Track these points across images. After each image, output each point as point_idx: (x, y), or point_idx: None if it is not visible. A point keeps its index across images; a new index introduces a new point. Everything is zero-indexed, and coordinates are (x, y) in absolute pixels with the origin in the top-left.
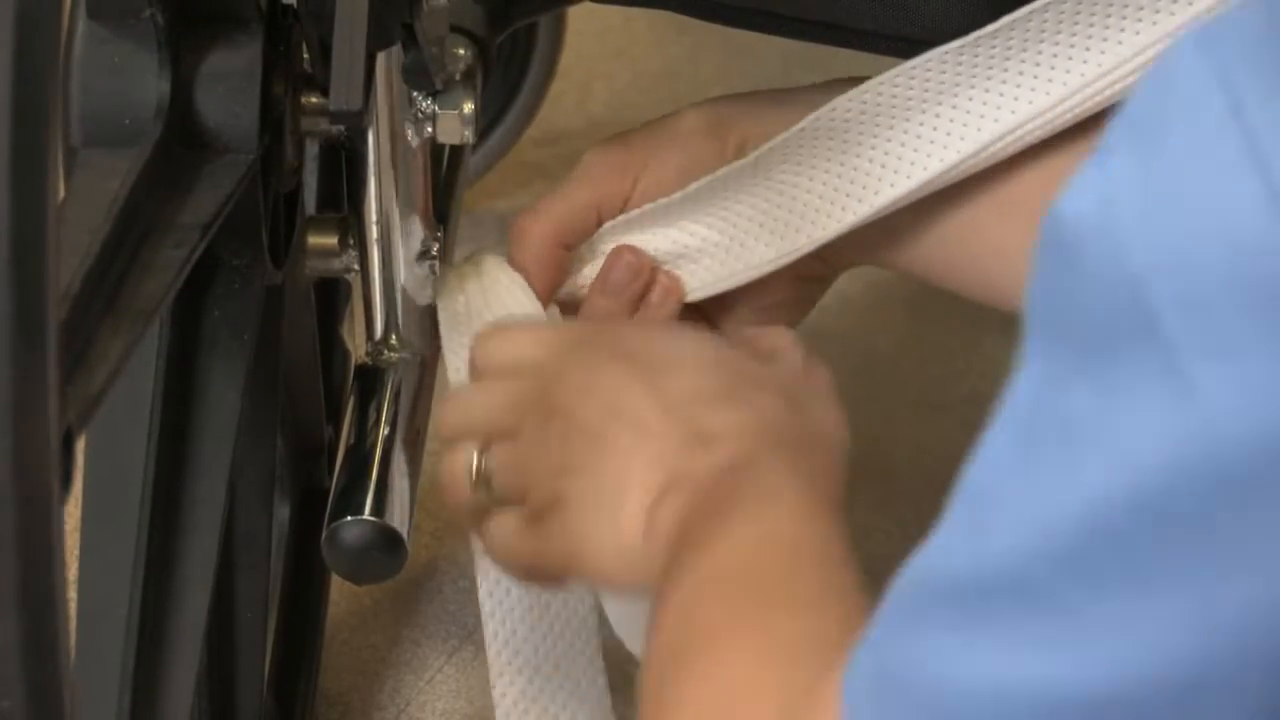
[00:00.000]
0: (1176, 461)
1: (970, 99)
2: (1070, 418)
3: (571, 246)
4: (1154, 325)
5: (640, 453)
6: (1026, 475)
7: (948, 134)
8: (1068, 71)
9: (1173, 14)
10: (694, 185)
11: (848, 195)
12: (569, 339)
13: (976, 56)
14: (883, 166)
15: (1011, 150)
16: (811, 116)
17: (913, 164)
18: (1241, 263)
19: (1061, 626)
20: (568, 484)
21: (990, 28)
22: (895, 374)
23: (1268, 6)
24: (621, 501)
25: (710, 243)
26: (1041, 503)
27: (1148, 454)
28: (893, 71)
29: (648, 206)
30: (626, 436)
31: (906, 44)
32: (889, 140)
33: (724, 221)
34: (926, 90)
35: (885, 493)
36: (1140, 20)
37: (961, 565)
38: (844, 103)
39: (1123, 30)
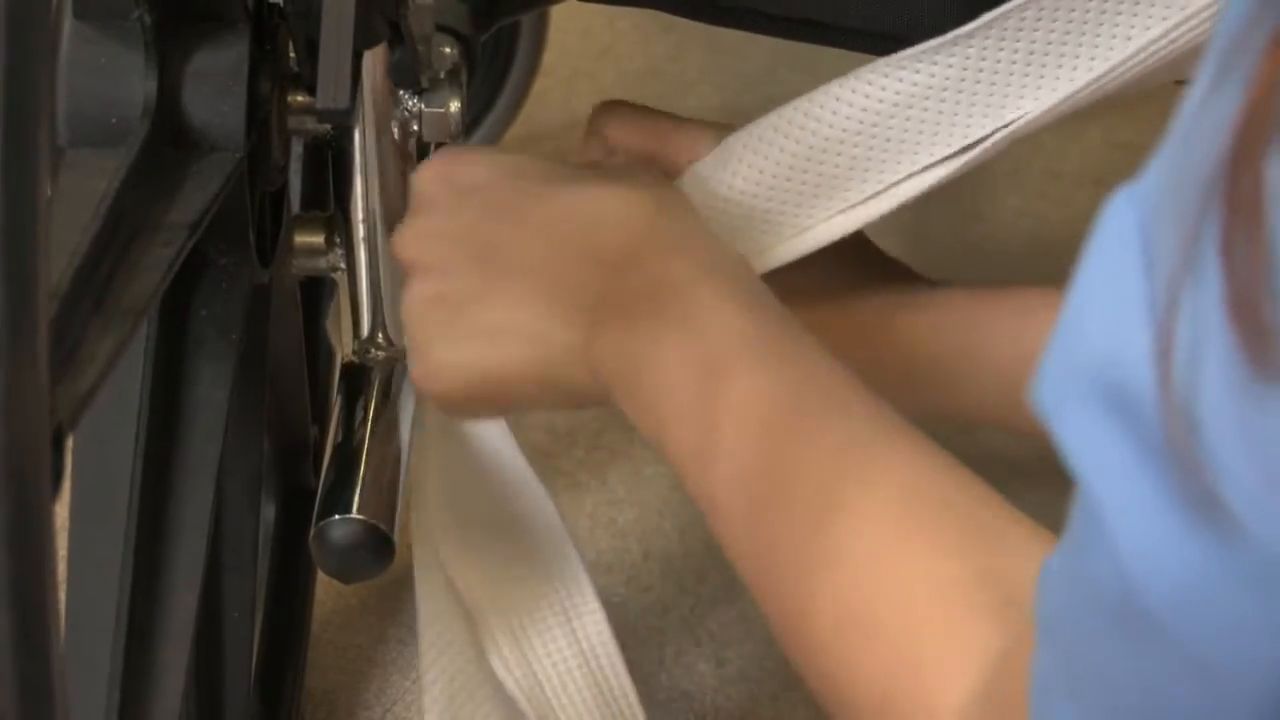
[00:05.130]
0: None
1: (974, 95)
2: None
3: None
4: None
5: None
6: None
7: (934, 136)
8: (1075, 68)
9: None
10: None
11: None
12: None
13: (968, 53)
14: (884, 152)
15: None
16: (804, 98)
17: (917, 149)
18: (1130, 410)
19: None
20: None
21: (974, 24)
22: None
23: (1174, 158)
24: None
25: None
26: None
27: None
28: (884, 63)
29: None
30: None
31: (894, 42)
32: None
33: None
34: (931, 84)
35: None
36: (1136, 17)
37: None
38: (836, 90)
39: (1116, 27)
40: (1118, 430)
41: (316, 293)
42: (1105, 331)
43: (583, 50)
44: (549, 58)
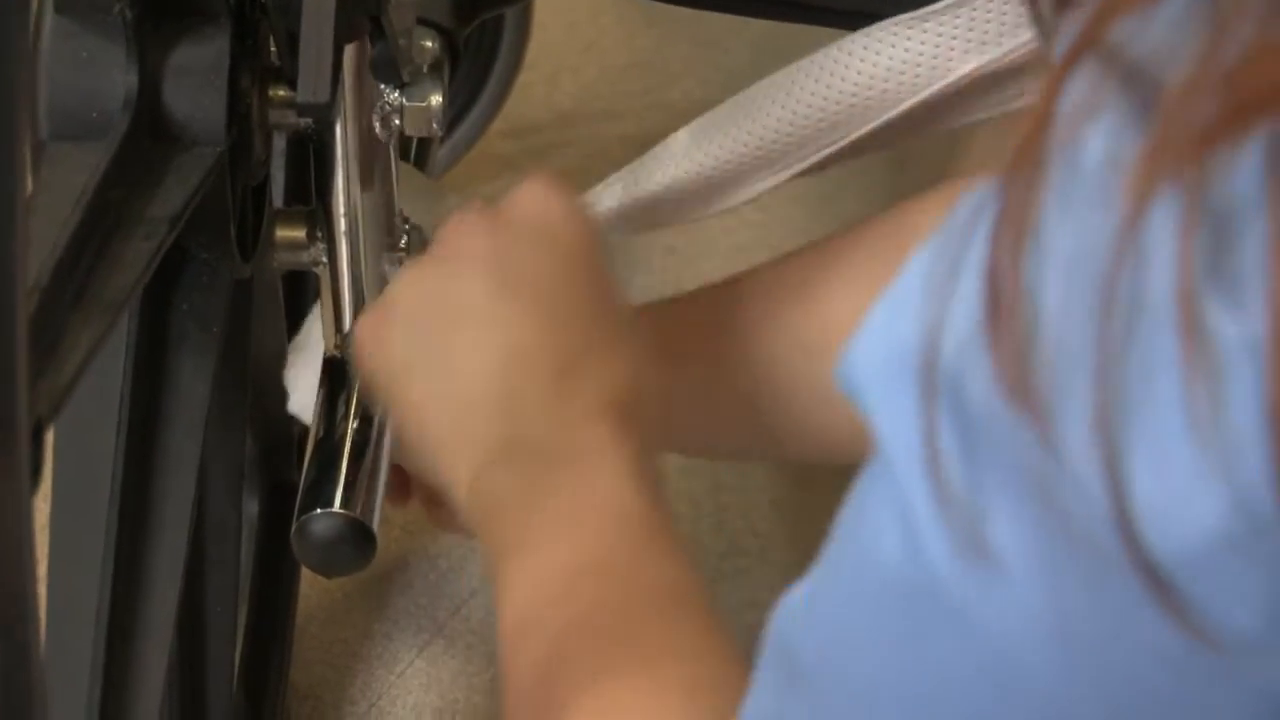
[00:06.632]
0: None
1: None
2: None
3: None
4: None
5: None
6: None
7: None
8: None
9: None
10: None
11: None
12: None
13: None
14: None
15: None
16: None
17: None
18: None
19: None
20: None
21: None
22: None
23: None
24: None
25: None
26: None
27: None
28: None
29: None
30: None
31: (870, 20)
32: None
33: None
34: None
35: None
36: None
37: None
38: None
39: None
40: (943, 415)
41: (301, 287)
42: (923, 317)
43: (567, 44)
44: (532, 52)
